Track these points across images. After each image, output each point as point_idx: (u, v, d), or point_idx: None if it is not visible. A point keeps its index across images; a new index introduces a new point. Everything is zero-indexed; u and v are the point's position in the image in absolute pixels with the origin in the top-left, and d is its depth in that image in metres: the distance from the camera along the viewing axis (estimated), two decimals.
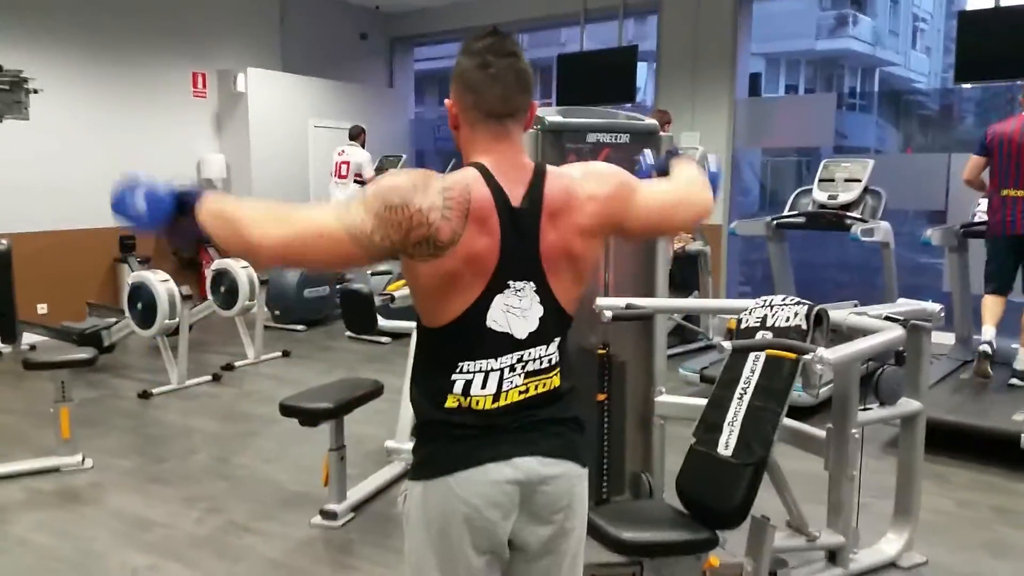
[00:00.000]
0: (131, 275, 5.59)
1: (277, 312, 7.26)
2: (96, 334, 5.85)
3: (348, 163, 7.82)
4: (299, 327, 7.36)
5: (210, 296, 6.15)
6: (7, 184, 6.56)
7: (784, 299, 2.59)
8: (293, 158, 8.71)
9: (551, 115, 2.93)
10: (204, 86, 8.31)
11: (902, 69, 21.29)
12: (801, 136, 8.11)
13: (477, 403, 1.43)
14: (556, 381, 1.50)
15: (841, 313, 2.58)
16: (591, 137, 2.95)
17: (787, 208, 5.64)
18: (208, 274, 6.24)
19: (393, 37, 10.42)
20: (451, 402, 1.43)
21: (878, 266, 5.42)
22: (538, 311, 1.45)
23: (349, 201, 1.38)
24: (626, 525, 2.31)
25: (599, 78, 8.14)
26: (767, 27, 15.00)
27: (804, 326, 2.46)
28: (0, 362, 6.15)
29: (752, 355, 2.52)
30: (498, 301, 1.42)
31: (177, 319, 5.37)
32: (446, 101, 1.49)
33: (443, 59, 15.12)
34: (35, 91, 3.56)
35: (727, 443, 2.46)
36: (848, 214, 5.11)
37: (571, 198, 1.46)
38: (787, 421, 2.73)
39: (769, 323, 2.57)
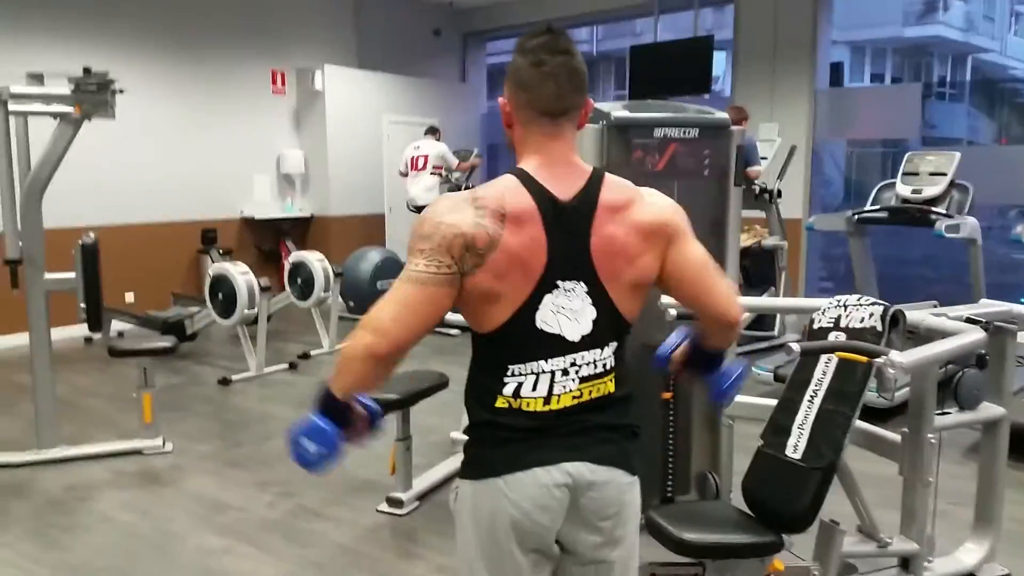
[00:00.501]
0: (212, 266, 5.80)
1: (351, 303, 7.41)
2: (179, 323, 6.09)
3: (426, 156, 7.88)
4: None
5: (287, 287, 6.33)
6: (97, 180, 6.89)
7: (859, 299, 2.51)
8: (368, 153, 8.88)
9: (617, 110, 2.90)
10: (283, 84, 8.53)
11: (997, 56, 20.26)
12: (885, 128, 7.84)
13: (527, 405, 1.43)
14: (611, 387, 1.48)
15: (919, 314, 2.48)
16: (658, 132, 2.90)
17: (869, 202, 5.46)
18: (287, 266, 6.43)
19: (466, 32, 10.49)
20: (501, 403, 1.44)
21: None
22: (591, 313, 1.44)
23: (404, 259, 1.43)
24: (688, 526, 2.28)
25: (673, 69, 8.00)
26: (852, 15, 14.49)
27: (879, 328, 2.37)
28: (90, 348, 6.47)
29: (824, 357, 2.45)
30: (547, 301, 1.41)
31: (256, 309, 5.56)
32: (500, 99, 1.49)
33: (508, 53, 15.17)
34: (120, 91, 3.70)
35: (796, 446, 2.40)
36: (932, 209, 4.90)
37: (633, 198, 1.46)
38: (861, 424, 2.65)
39: (843, 324, 2.49)
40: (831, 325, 2.51)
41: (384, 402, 3.29)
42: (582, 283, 1.43)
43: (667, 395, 3.13)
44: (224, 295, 5.58)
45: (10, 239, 3.48)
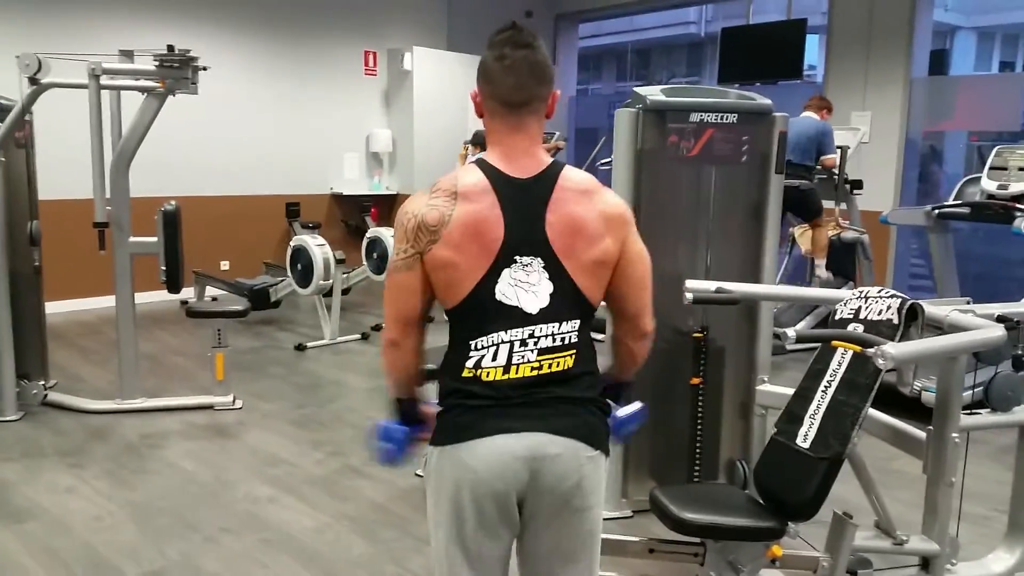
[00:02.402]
0: (293, 239, 6.11)
1: None
2: (264, 291, 6.44)
3: None
4: None
5: (364, 262, 6.58)
6: (199, 153, 7.37)
7: (880, 291, 2.46)
8: (453, 133, 9.03)
9: (653, 94, 2.92)
10: (375, 64, 8.80)
11: None
12: (985, 119, 7.40)
13: (488, 375, 1.51)
14: (569, 362, 1.54)
15: (944, 310, 2.41)
16: (694, 117, 2.90)
17: (952, 197, 5.22)
18: (364, 242, 6.69)
19: (558, 14, 10.49)
20: (466, 373, 1.53)
21: None
22: (547, 287, 1.51)
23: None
24: (689, 506, 2.32)
25: (765, 53, 7.82)
26: None
27: (896, 320, 2.33)
28: (183, 311, 6.91)
29: (840, 348, 2.43)
30: (506, 275, 1.50)
31: (331, 281, 5.82)
32: (471, 91, 1.59)
33: (607, 35, 14.95)
34: (204, 68, 3.97)
35: (806, 435, 2.39)
36: (1016, 206, 4.65)
37: (593, 187, 1.56)
38: (887, 418, 2.62)
39: (862, 315, 2.46)
40: (851, 316, 2.48)
41: (425, 372, 3.49)
42: (539, 259, 1.51)
43: (696, 380, 3.15)
44: (303, 265, 5.88)
45: (99, 203, 3.81)
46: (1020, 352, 2.55)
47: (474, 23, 9.50)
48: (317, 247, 5.78)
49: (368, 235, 6.57)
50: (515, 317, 1.51)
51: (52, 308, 5.07)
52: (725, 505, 2.43)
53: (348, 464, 3.71)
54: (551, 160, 1.57)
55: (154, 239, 4.17)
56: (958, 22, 15.28)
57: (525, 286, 1.51)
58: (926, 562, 2.67)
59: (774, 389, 3.17)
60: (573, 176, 1.56)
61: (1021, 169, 4.83)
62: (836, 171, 5.80)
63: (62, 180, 5.84)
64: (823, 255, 6.05)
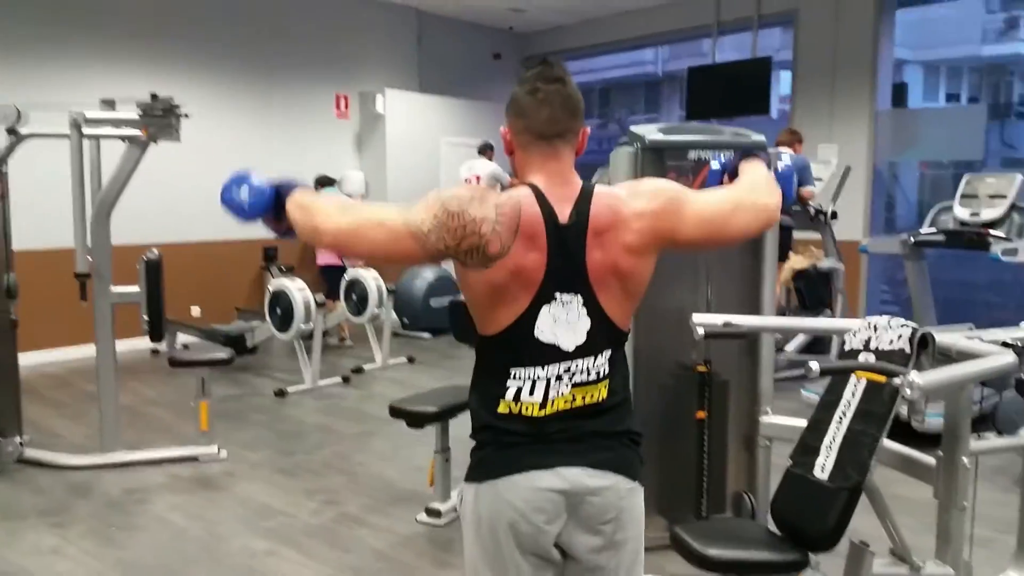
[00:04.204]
0: (271, 282, 6.02)
1: (405, 320, 7.56)
2: (240, 336, 6.33)
3: (478, 177, 8.04)
4: (425, 335, 7.65)
5: (343, 303, 6.52)
6: (168, 200, 7.25)
7: (889, 321, 2.49)
8: (426, 174, 9.07)
9: (651, 133, 2.94)
10: (347, 107, 8.81)
11: None
12: (949, 149, 7.63)
13: (527, 409, 1.49)
14: (603, 393, 1.53)
15: (952, 337, 2.44)
16: (692, 154, 2.94)
17: (926, 225, 5.34)
18: (343, 283, 6.62)
19: (526, 56, 10.64)
20: (503, 408, 1.50)
21: None
22: (585, 324, 1.49)
23: (414, 202, 1.50)
24: (712, 541, 2.29)
25: (732, 90, 8.02)
26: (926, 34, 14.13)
27: (907, 350, 2.35)
28: (156, 360, 6.76)
29: (853, 378, 2.44)
30: (545, 312, 1.47)
31: (311, 324, 5.74)
32: (501, 129, 1.58)
33: (576, 75, 15.22)
34: (186, 116, 3.93)
35: (823, 466, 2.39)
36: (990, 232, 4.77)
37: (616, 216, 1.50)
38: (896, 446, 2.62)
39: (872, 345, 2.48)
40: (861, 347, 2.50)
41: (422, 415, 3.42)
42: (578, 296, 1.49)
43: (701, 414, 3.14)
44: (282, 310, 5.79)
45: (80, 254, 3.72)
46: (1022, 376, 2.59)
47: (444, 65, 9.60)
48: (298, 291, 5.71)
49: (347, 277, 6.52)
50: (552, 354, 1.49)
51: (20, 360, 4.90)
52: (746, 539, 2.40)
53: (345, 513, 3.61)
54: (581, 185, 1.53)
55: (135, 288, 4.07)
56: (906, 56, 15.84)
57: (564, 324, 1.48)
58: None
59: (778, 420, 3.17)
60: (601, 206, 1.51)
61: (991, 196, 4.97)
62: (812, 204, 5.91)
63: (33, 230, 5.70)
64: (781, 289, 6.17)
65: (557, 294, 1.47)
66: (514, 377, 1.49)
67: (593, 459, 1.51)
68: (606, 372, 1.53)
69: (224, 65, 7.72)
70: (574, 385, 1.50)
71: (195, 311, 7.57)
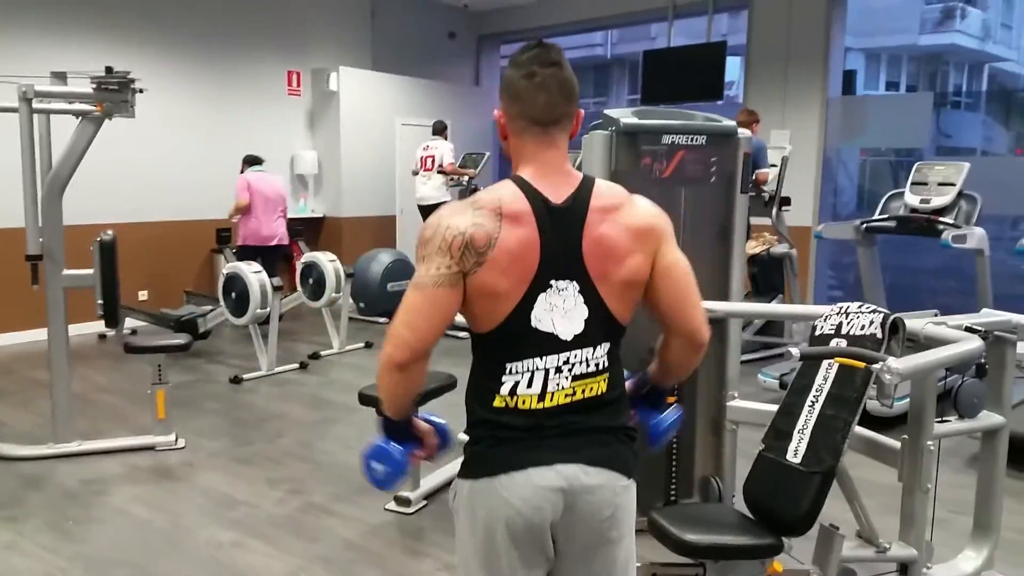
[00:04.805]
0: (226, 266, 5.87)
1: (362, 304, 7.47)
2: (192, 321, 6.17)
3: (433, 156, 7.97)
4: (382, 319, 7.55)
5: (299, 288, 6.40)
6: (114, 177, 6.98)
7: (860, 306, 2.54)
8: (381, 154, 8.95)
9: (626, 117, 2.94)
10: (299, 84, 8.62)
11: (1015, 65, 20.13)
12: (896, 136, 7.84)
13: (523, 403, 1.48)
14: (603, 386, 1.52)
15: (919, 323, 2.51)
16: (666, 139, 2.94)
17: (877, 212, 5.47)
18: (298, 266, 6.51)
19: (480, 35, 10.55)
20: (498, 402, 1.49)
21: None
22: (582, 312, 1.48)
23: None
24: (690, 527, 2.32)
25: (686, 74, 8.06)
26: (867, 22, 14.43)
27: (879, 335, 2.41)
28: (104, 345, 6.56)
29: (825, 363, 2.49)
30: (541, 300, 1.46)
31: (268, 309, 5.62)
32: (495, 112, 1.55)
33: None
34: (140, 91, 3.78)
35: (796, 450, 2.43)
36: (940, 219, 4.92)
37: (623, 201, 1.51)
38: (861, 430, 2.69)
39: (844, 331, 2.53)
40: (832, 332, 2.55)
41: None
42: (574, 282, 1.47)
43: (671, 399, 3.17)
44: (237, 294, 5.66)
45: (31, 235, 3.56)
46: (983, 360, 2.67)
47: (399, 44, 9.45)
48: (253, 274, 5.58)
49: (303, 260, 6.40)
50: (550, 344, 1.48)
51: None
52: (722, 524, 2.44)
53: (311, 502, 3.56)
54: (582, 176, 1.53)
55: (89, 271, 3.93)
56: (849, 43, 16.17)
57: (561, 311, 1.47)
58: (904, 567, 2.75)
59: (745, 404, 3.23)
60: (604, 192, 1.52)
61: (940, 184, 5.12)
62: (765, 188, 5.99)
63: None
64: None
65: (553, 281, 1.46)
66: (510, 372, 1.48)
67: (589, 455, 1.50)
68: (605, 365, 1.52)
69: (174, 39, 7.47)
70: (575, 378, 1.49)
71: (142, 295, 7.35)
